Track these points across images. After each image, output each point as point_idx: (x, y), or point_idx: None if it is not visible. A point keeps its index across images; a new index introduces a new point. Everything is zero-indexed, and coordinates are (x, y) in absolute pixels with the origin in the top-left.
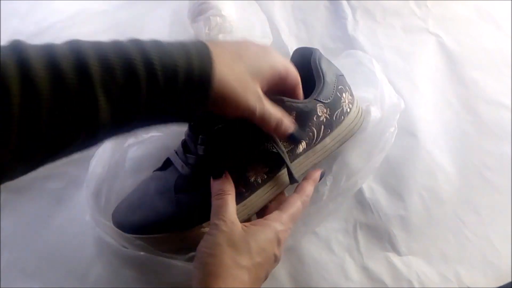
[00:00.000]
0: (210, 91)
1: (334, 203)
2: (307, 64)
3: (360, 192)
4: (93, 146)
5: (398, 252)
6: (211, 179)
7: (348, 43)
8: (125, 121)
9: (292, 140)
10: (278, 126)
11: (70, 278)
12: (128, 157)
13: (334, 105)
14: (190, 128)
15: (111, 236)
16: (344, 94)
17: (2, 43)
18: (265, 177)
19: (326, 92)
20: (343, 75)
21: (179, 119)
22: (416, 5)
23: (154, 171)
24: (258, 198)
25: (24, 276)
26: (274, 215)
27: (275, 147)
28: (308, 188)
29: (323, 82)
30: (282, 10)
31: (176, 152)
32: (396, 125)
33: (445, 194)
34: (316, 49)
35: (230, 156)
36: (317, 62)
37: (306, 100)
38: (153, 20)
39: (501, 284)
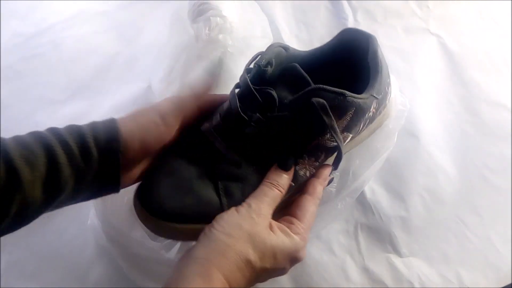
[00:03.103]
0: (120, 143)
1: (343, 204)
2: (358, 50)
3: (361, 193)
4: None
5: (399, 253)
6: (275, 166)
7: None
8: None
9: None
10: (201, 103)
11: (70, 278)
12: None
13: (382, 101)
14: (243, 106)
15: (120, 234)
16: (390, 88)
17: (3, 43)
18: (314, 171)
19: (380, 87)
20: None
21: (108, 183)
22: (417, 5)
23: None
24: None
25: (24, 277)
26: (298, 227)
27: (334, 139)
28: (320, 189)
29: (380, 76)
30: (283, 11)
31: (213, 130)
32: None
33: (446, 195)
34: (373, 36)
35: (282, 147)
36: (378, 54)
37: (366, 96)
38: (153, 20)
39: (502, 285)
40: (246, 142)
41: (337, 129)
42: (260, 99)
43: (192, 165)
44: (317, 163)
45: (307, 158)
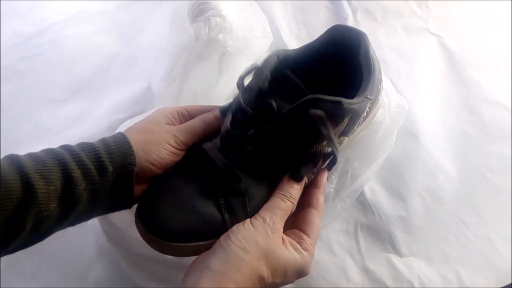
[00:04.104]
0: (134, 156)
1: (342, 205)
2: (349, 47)
3: (361, 193)
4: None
5: (399, 253)
6: (287, 177)
7: None
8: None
9: (222, 113)
10: (206, 124)
11: (70, 278)
12: None
13: (375, 100)
14: (233, 124)
15: (121, 237)
16: (381, 85)
17: (3, 43)
18: (312, 177)
19: (373, 87)
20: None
21: (122, 196)
22: (417, 5)
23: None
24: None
25: (24, 277)
26: (308, 243)
27: (330, 146)
28: (322, 199)
29: (373, 76)
30: (282, 10)
31: (213, 147)
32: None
33: (446, 194)
34: (364, 34)
35: (280, 158)
36: (370, 54)
37: (360, 100)
38: (153, 20)
39: (502, 285)
40: (245, 157)
41: (334, 138)
42: (255, 115)
43: (192, 182)
44: (315, 169)
45: (307, 166)
